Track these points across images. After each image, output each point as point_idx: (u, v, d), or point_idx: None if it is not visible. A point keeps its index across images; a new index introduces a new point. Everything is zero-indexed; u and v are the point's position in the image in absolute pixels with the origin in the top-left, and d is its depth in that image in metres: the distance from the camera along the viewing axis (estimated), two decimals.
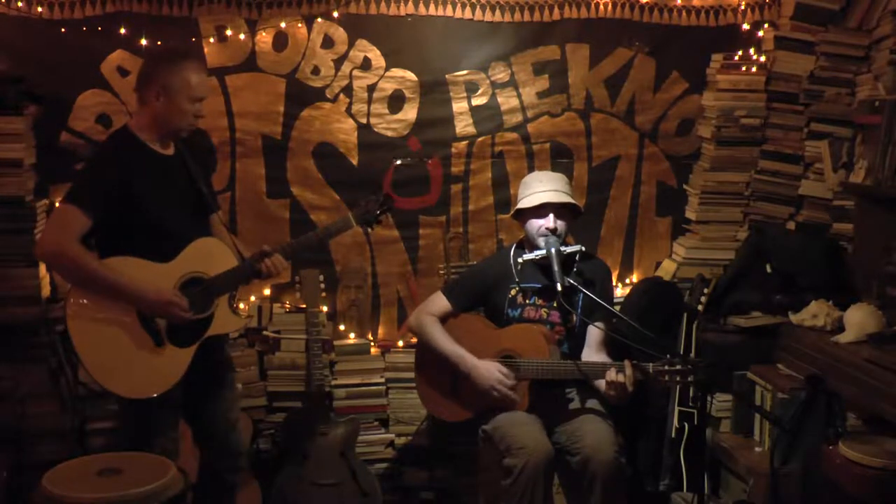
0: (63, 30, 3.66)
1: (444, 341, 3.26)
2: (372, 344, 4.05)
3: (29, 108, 3.48)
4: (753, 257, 3.90)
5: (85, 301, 2.72)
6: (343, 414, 3.82)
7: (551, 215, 3.21)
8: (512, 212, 3.35)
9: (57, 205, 2.71)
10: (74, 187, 2.76)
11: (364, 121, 3.98)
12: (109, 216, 2.73)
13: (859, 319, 3.30)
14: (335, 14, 3.85)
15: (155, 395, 2.77)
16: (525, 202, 3.25)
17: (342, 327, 4.06)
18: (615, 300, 3.96)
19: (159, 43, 3.67)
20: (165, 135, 2.87)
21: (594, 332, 3.26)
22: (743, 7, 4.04)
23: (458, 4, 3.91)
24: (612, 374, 2.98)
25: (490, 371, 3.15)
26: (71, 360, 3.57)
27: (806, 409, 3.16)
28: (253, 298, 3.99)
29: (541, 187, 3.25)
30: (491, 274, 3.38)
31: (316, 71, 3.91)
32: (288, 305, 3.98)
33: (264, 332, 3.94)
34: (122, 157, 2.79)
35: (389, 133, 4.00)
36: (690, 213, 4.18)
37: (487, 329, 3.32)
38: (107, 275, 2.71)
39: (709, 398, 3.66)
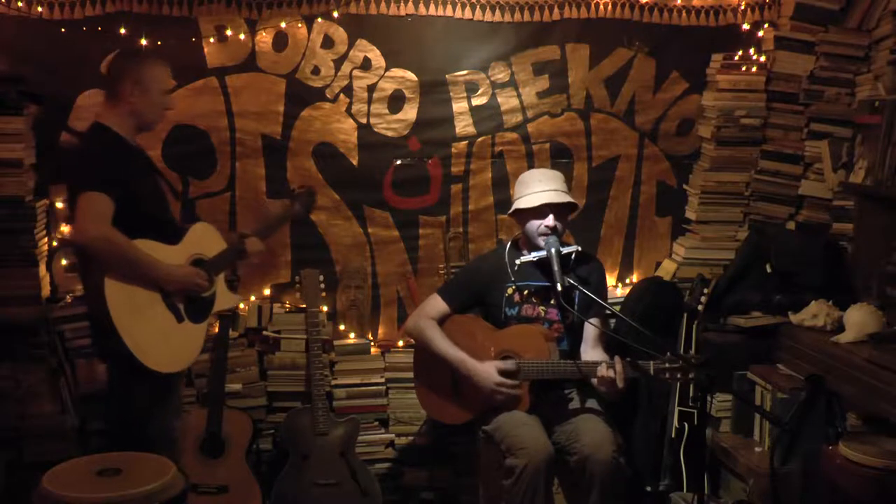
0: (63, 30, 3.65)
1: (444, 345, 3.26)
2: (372, 344, 4.04)
3: (29, 108, 3.48)
4: (753, 257, 3.90)
5: (119, 285, 2.76)
6: (343, 414, 3.83)
7: (551, 216, 3.22)
8: (511, 210, 3.35)
9: (64, 200, 2.71)
10: (88, 177, 2.76)
11: (364, 121, 3.97)
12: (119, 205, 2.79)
13: (859, 319, 3.31)
14: (335, 14, 3.84)
15: (183, 367, 3.01)
16: (524, 202, 3.24)
17: (342, 327, 4.06)
18: (615, 300, 3.98)
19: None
20: (140, 128, 2.98)
21: (591, 328, 3.27)
22: (743, 7, 4.04)
23: (458, 4, 3.91)
24: (602, 370, 3.00)
25: (490, 374, 3.15)
26: (70, 359, 3.57)
27: (806, 409, 3.16)
28: (253, 298, 3.99)
29: (540, 187, 3.24)
30: (485, 272, 3.37)
31: (316, 71, 3.91)
32: (288, 305, 3.98)
33: (264, 332, 3.93)
34: (113, 155, 2.85)
35: (389, 133, 4.00)
36: (690, 213, 4.18)
37: (486, 330, 3.32)
38: (144, 255, 2.81)
39: (709, 398, 3.66)
